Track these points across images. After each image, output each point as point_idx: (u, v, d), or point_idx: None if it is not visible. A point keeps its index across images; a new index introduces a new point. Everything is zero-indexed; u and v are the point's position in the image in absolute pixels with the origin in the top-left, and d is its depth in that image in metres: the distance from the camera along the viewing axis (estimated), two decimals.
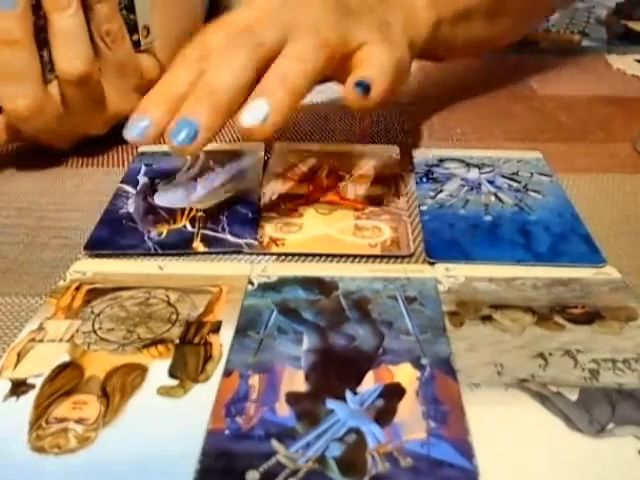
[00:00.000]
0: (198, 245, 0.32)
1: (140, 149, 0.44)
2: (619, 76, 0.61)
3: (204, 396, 0.23)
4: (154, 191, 0.38)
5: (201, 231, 0.33)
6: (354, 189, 0.38)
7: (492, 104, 0.53)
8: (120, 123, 0.33)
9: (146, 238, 0.33)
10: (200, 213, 0.35)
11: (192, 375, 0.24)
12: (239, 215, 0.35)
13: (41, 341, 0.26)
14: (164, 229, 0.34)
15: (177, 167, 0.41)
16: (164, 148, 0.44)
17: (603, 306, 0.27)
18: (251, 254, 0.32)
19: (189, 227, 0.34)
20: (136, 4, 0.41)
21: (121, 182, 0.39)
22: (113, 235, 0.33)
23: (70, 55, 0.37)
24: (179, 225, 0.34)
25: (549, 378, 0.24)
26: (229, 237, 0.33)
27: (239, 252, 0.32)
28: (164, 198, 0.37)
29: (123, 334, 0.26)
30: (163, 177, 0.39)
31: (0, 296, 0.29)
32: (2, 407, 0.22)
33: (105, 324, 0.27)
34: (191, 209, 0.35)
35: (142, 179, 0.39)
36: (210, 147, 0.43)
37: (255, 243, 0.32)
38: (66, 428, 0.21)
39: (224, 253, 0.32)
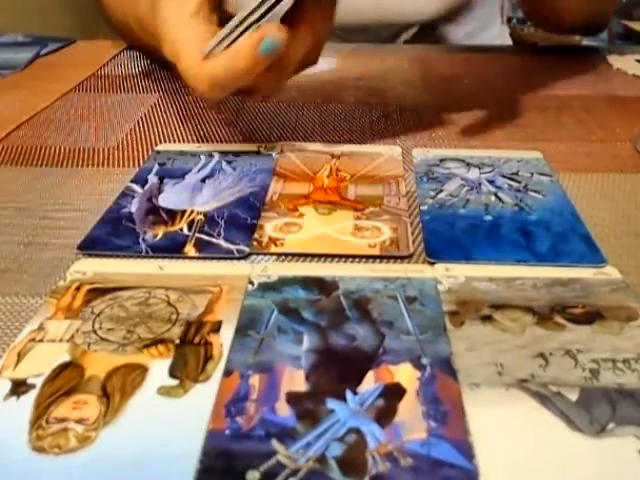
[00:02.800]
0: (190, 249, 0.32)
1: (156, 148, 0.44)
2: (619, 76, 0.61)
3: (204, 396, 0.23)
4: (161, 191, 0.38)
5: (196, 235, 0.33)
6: (354, 189, 0.38)
7: (492, 104, 0.53)
8: None
9: (140, 240, 0.33)
10: (200, 216, 0.35)
11: (192, 375, 0.24)
12: (238, 220, 0.34)
13: (41, 341, 0.26)
14: (160, 231, 0.33)
15: (189, 167, 0.41)
16: (180, 147, 0.44)
17: (603, 306, 0.27)
18: (239, 259, 0.31)
19: (185, 230, 0.34)
20: None
21: (131, 181, 0.39)
22: (109, 235, 0.33)
23: None
24: (176, 228, 0.34)
25: (549, 378, 0.24)
26: (222, 242, 0.32)
27: (229, 258, 0.31)
28: (168, 199, 0.37)
29: (123, 334, 0.26)
30: (173, 177, 0.39)
31: (0, 296, 0.29)
32: (2, 407, 0.22)
33: (105, 324, 0.27)
34: (192, 211, 0.35)
35: (152, 179, 0.39)
36: (226, 147, 0.44)
37: (246, 250, 0.32)
38: (66, 428, 0.21)
39: (214, 259, 0.31)
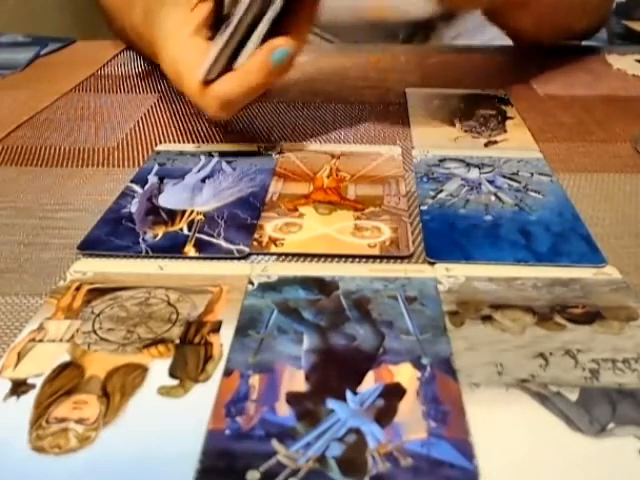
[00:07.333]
0: (190, 249, 0.32)
1: (156, 148, 0.44)
2: (619, 76, 0.61)
3: (204, 396, 0.23)
4: (160, 191, 0.38)
5: (196, 235, 0.33)
6: (354, 189, 0.38)
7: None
8: None
9: (140, 240, 0.33)
10: (200, 216, 0.35)
11: (192, 375, 0.24)
12: (238, 220, 0.34)
13: (41, 341, 0.26)
14: (160, 231, 0.33)
15: (189, 167, 0.41)
16: (180, 147, 0.44)
17: (603, 306, 0.27)
18: (239, 259, 0.31)
19: (185, 230, 0.34)
20: None
21: (131, 181, 0.39)
22: (109, 235, 0.33)
23: None
24: (176, 228, 0.34)
25: (549, 378, 0.24)
26: (222, 242, 0.32)
27: (229, 258, 0.31)
28: (168, 199, 0.37)
29: (123, 334, 0.26)
30: (173, 177, 0.39)
31: (0, 296, 0.29)
32: (2, 407, 0.22)
33: (105, 324, 0.27)
34: (192, 212, 0.35)
35: (152, 179, 0.39)
36: (226, 147, 0.44)
37: (247, 250, 0.32)
38: (66, 428, 0.21)
39: (214, 259, 0.31)
